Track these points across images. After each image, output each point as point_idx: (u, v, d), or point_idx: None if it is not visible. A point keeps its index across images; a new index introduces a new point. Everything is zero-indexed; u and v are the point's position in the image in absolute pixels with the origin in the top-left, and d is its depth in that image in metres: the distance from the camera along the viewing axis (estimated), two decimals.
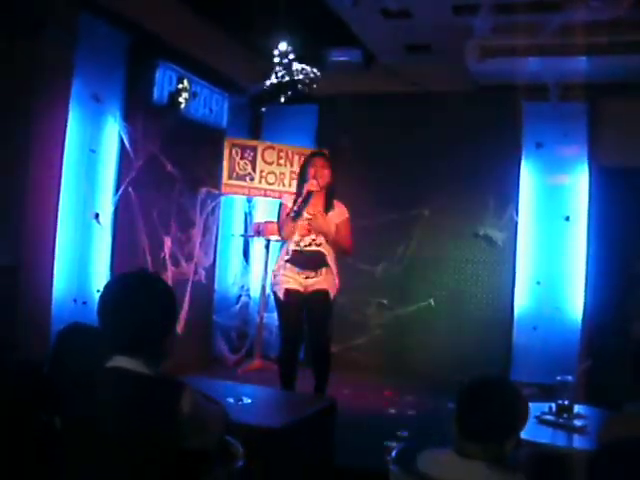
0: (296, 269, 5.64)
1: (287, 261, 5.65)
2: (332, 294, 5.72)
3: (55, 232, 5.53)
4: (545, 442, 3.61)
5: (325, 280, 5.67)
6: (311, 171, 5.68)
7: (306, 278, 5.64)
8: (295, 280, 5.64)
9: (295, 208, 5.57)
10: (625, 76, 6.84)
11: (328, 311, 5.72)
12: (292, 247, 5.65)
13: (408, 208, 7.72)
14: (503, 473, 2.43)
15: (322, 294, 5.66)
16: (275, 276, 5.76)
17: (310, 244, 5.66)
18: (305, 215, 5.62)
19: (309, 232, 5.64)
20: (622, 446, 2.41)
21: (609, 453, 2.44)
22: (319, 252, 5.66)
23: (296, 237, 5.65)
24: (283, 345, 5.73)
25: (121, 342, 2.38)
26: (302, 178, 5.79)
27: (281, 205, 5.82)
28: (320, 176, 5.66)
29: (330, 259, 5.70)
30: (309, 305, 5.66)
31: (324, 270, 5.67)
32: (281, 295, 5.65)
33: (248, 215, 8.37)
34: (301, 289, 5.65)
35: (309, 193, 5.63)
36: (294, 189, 6.13)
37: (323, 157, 5.84)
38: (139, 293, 2.44)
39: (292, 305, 5.64)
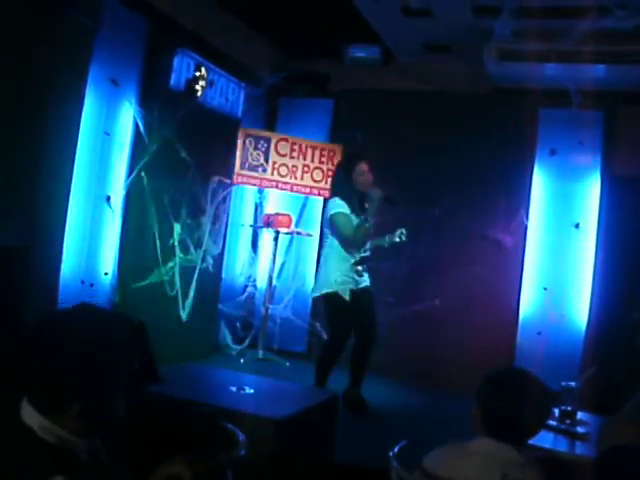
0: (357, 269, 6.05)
1: (353, 264, 6.03)
2: None
3: (66, 213, 5.56)
4: (547, 447, 3.60)
5: (367, 278, 6.15)
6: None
7: (360, 277, 6.05)
8: (354, 281, 6.02)
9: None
10: None
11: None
12: (360, 253, 6.05)
13: (419, 206, 7.69)
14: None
15: (369, 291, 6.16)
16: (338, 279, 6.00)
17: (367, 248, 6.13)
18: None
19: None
20: (622, 453, 2.40)
21: (609, 460, 2.44)
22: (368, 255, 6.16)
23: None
24: (341, 337, 6.02)
25: None
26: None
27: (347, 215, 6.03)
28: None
29: None
30: (361, 301, 6.05)
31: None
32: (347, 297, 5.95)
33: (259, 206, 8.37)
34: (355, 288, 6.03)
35: None
36: (306, 182, 6.33)
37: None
38: None
39: (352, 304, 5.99)
